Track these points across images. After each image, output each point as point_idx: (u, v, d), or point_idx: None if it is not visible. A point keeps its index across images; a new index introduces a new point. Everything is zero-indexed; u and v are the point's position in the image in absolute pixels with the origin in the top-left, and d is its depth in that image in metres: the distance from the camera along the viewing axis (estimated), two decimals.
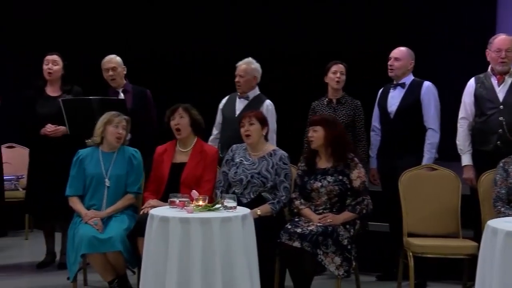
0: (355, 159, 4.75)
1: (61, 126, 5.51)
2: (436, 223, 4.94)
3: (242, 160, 4.88)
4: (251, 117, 4.84)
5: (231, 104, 5.64)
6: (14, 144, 7.09)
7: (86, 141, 5.02)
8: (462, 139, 5.07)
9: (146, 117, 5.73)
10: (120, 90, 5.77)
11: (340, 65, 5.54)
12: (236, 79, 5.58)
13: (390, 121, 5.34)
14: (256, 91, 5.63)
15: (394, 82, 5.41)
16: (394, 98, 5.36)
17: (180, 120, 4.94)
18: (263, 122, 4.90)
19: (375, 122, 5.52)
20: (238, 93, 5.62)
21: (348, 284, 4.95)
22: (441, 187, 4.97)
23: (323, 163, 4.78)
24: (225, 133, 5.58)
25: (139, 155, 5.02)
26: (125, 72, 5.84)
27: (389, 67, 5.39)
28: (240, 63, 5.60)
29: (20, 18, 7.59)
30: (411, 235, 4.88)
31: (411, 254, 4.71)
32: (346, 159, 4.71)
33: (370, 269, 5.43)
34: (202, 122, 5.02)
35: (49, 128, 5.52)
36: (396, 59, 5.36)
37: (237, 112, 5.51)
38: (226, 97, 5.74)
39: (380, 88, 5.54)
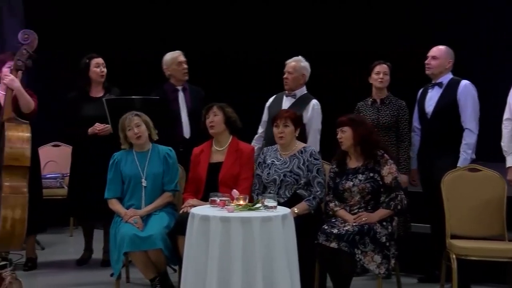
0: (385, 155, 4.71)
1: (108, 125, 5.54)
2: (480, 225, 4.84)
3: (273, 161, 4.89)
4: (286, 119, 4.85)
5: (277, 103, 5.65)
6: (59, 143, 7.21)
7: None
8: (507, 141, 4.97)
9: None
10: (180, 88, 5.82)
11: (384, 65, 5.49)
12: (285, 76, 5.58)
13: (428, 121, 5.29)
14: (303, 90, 5.62)
15: (432, 82, 5.35)
16: (432, 98, 5.30)
17: (214, 118, 4.97)
18: (297, 123, 4.91)
19: (416, 122, 5.46)
20: (286, 91, 5.62)
21: (390, 286, 4.92)
22: (485, 188, 4.87)
23: (353, 163, 4.76)
24: (270, 131, 5.56)
25: (173, 153, 5.06)
26: None
27: (426, 65, 5.34)
28: (289, 60, 5.61)
29: (53, 18, 7.66)
30: (454, 237, 4.80)
31: (454, 256, 4.62)
32: (376, 157, 4.69)
33: (411, 271, 5.36)
34: (237, 120, 5.03)
35: (98, 126, 5.57)
36: (434, 57, 5.30)
37: None
38: (273, 96, 5.76)
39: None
